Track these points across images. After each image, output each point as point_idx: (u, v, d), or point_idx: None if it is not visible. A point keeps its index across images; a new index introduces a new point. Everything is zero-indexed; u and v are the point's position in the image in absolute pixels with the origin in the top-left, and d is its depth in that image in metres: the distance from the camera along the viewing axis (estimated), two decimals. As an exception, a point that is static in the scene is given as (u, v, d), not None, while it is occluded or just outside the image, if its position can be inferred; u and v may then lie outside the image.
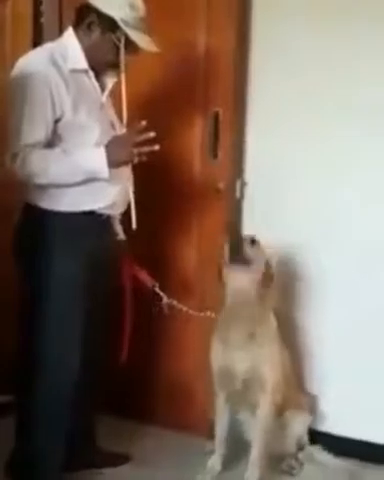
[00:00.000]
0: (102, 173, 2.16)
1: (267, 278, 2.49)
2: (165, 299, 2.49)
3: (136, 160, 2.20)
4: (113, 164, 2.16)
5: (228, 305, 2.49)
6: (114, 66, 2.27)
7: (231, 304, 2.48)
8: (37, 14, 3.06)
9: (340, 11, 2.68)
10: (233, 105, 2.81)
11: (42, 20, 3.07)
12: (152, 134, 2.14)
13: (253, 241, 2.49)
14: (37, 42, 2.98)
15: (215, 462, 2.60)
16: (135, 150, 2.16)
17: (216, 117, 2.80)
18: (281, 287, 2.72)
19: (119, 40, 2.20)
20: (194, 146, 2.87)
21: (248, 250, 2.46)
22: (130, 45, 2.22)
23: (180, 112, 2.86)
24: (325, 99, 2.74)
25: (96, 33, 2.21)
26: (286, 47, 2.78)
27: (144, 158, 2.20)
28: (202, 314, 2.58)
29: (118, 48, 2.21)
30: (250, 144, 2.90)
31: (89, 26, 2.21)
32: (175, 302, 2.53)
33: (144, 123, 2.14)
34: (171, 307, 2.52)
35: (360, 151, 2.71)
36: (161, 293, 2.49)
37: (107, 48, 2.22)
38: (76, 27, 2.24)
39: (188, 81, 2.85)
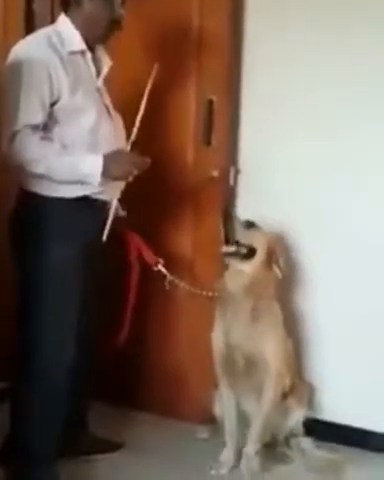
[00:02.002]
0: (93, 181, 2.18)
1: (270, 261, 2.50)
2: (168, 277, 2.52)
3: (130, 179, 2.28)
4: (107, 176, 2.19)
5: (228, 288, 2.50)
6: (112, 29, 2.28)
7: (231, 287, 2.50)
8: (29, 0, 3.03)
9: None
10: (227, 92, 2.81)
11: (34, 6, 3.04)
12: (148, 160, 2.29)
13: (250, 224, 2.50)
14: (29, 28, 2.95)
15: (228, 455, 2.56)
16: (135, 171, 2.24)
17: (210, 104, 2.79)
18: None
19: None
20: (188, 134, 2.86)
21: (241, 235, 2.46)
22: None
23: (174, 99, 2.85)
24: (320, 86, 2.73)
25: (84, 2, 2.23)
26: (281, 34, 2.77)
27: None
28: (204, 293, 2.59)
29: (110, 3, 2.22)
30: (244, 132, 2.90)
31: (76, 1, 2.23)
32: (178, 281, 2.56)
33: (149, 160, 2.30)
34: (173, 285, 2.55)
35: (355, 139, 2.71)
36: (164, 271, 2.52)
37: (100, 9, 2.23)
38: (66, 11, 2.28)
39: (182, 68, 2.83)
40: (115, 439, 2.70)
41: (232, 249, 2.46)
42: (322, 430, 2.74)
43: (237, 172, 2.90)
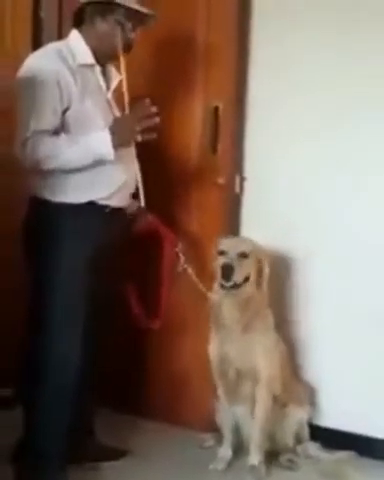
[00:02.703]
0: (107, 155, 2.20)
1: (260, 280, 2.53)
2: (182, 261, 2.59)
3: (139, 138, 2.23)
4: (118, 144, 2.21)
5: (223, 308, 2.54)
6: (123, 49, 2.33)
7: (226, 308, 2.54)
8: (37, 8, 3.07)
9: (340, 4, 2.69)
10: (233, 100, 2.82)
11: (42, 14, 3.07)
12: (154, 109, 2.19)
13: (243, 254, 2.50)
14: (37, 36, 2.98)
15: (225, 451, 2.64)
16: (138, 127, 2.20)
17: (216, 112, 2.80)
18: (278, 282, 2.75)
19: (122, 16, 2.27)
20: (194, 140, 2.87)
21: (238, 272, 2.46)
22: (132, 19, 2.30)
23: (180, 106, 2.86)
24: (325, 93, 2.74)
25: (98, 21, 2.30)
26: (286, 41, 2.79)
27: (148, 136, 2.22)
28: (209, 294, 2.60)
29: (122, 25, 2.28)
30: (250, 139, 2.91)
31: (90, 18, 2.30)
32: (190, 270, 2.60)
33: (148, 100, 2.20)
34: (184, 270, 2.61)
35: (361, 145, 2.71)
36: (180, 254, 2.59)
37: (112, 30, 2.30)
38: (78, 26, 2.34)
39: (188, 75, 2.85)
40: (120, 446, 2.69)
41: (230, 283, 2.47)
42: (324, 437, 2.72)
43: (243, 179, 2.91)
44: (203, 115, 2.83)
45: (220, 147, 2.82)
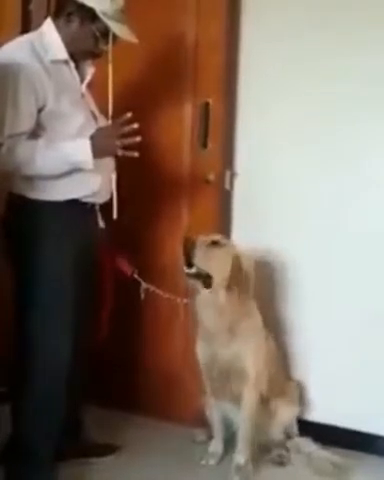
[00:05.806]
0: (86, 164, 2.17)
1: (235, 279, 2.46)
2: (143, 284, 2.59)
3: (120, 153, 2.21)
4: (97, 155, 2.17)
5: (203, 318, 2.53)
6: (93, 55, 2.29)
7: (206, 318, 2.53)
8: (26, 1, 3.04)
9: (332, 1, 2.68)
10: (223, 95, 2.81)
11: (30, 7, 3.04)
12: (136, 126, 2.15)
13: (215, 242, 2.46)
14: (26, 30, 2.95)
15: (216, 446, 2.66)
16: (118, 142, 2.18)
17: (206, 107, 2.79)
18: (269, 279, 2.77)
19: (99, 31, 2.21)
20: (184, 136, 2.86)
21: (201, 259, 2.41)
22: (109, 36, 2.23)
23: (170, 102, 2.85)
24: (316, 89, 2.74)
25: (75, 23, 2.23)
26: (276, 37, 2.78)
27: (129, 153, 2.21)
28: (179, 300, 2.64)
29: (96, 38, 2.23)
30: (240, 135, 2.90)
31: (68, 16, 2.22)
32: (152, 287, 2.61)
33: (129, 115, 2.16)
34: (149, 292, 2.62)
35: (353, 139, 2.71)
36: (139, 279, 2.57)
37: (86, 38, 2.24)
38: (55, 17, 2.26)
39: (178, 71, 2.84)
40: (111, 442, 2.69)
41: (193, 270, 2.43)
42: (314, 432, 2.73)
43: (233, 175, 2.90)
44: (193, 111, 2.82)
45: (210, 143, 2.81)
